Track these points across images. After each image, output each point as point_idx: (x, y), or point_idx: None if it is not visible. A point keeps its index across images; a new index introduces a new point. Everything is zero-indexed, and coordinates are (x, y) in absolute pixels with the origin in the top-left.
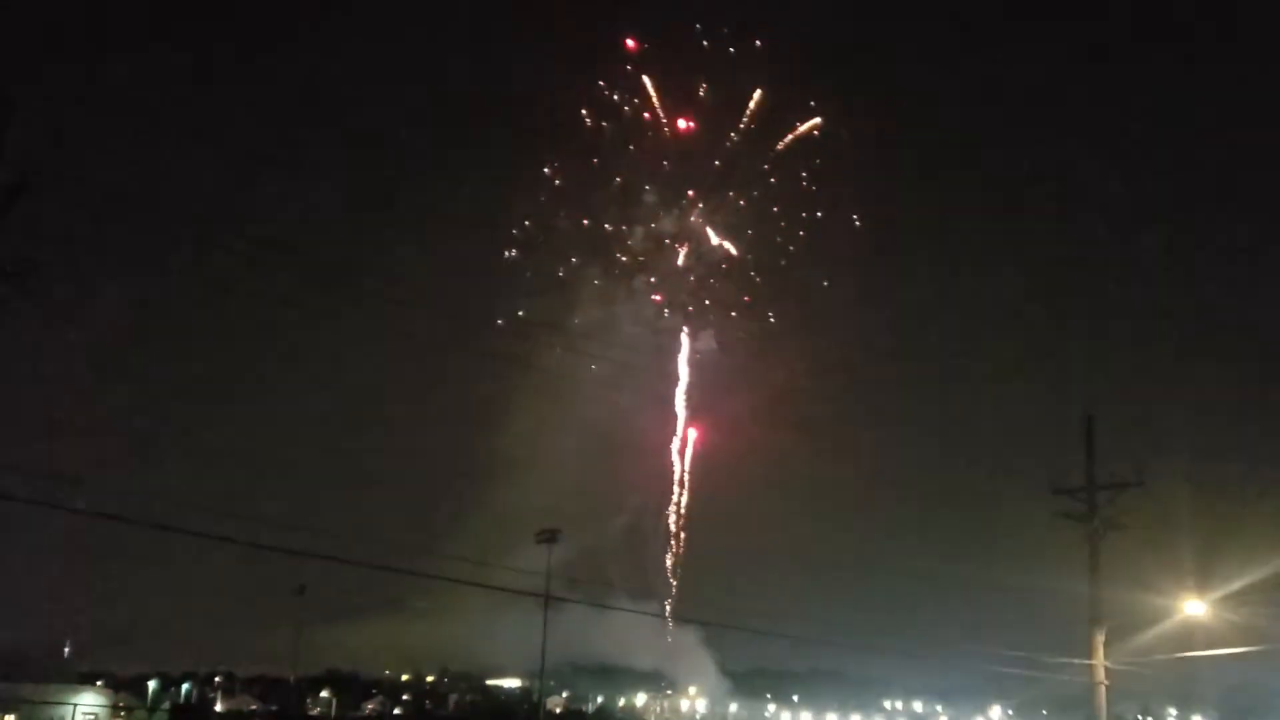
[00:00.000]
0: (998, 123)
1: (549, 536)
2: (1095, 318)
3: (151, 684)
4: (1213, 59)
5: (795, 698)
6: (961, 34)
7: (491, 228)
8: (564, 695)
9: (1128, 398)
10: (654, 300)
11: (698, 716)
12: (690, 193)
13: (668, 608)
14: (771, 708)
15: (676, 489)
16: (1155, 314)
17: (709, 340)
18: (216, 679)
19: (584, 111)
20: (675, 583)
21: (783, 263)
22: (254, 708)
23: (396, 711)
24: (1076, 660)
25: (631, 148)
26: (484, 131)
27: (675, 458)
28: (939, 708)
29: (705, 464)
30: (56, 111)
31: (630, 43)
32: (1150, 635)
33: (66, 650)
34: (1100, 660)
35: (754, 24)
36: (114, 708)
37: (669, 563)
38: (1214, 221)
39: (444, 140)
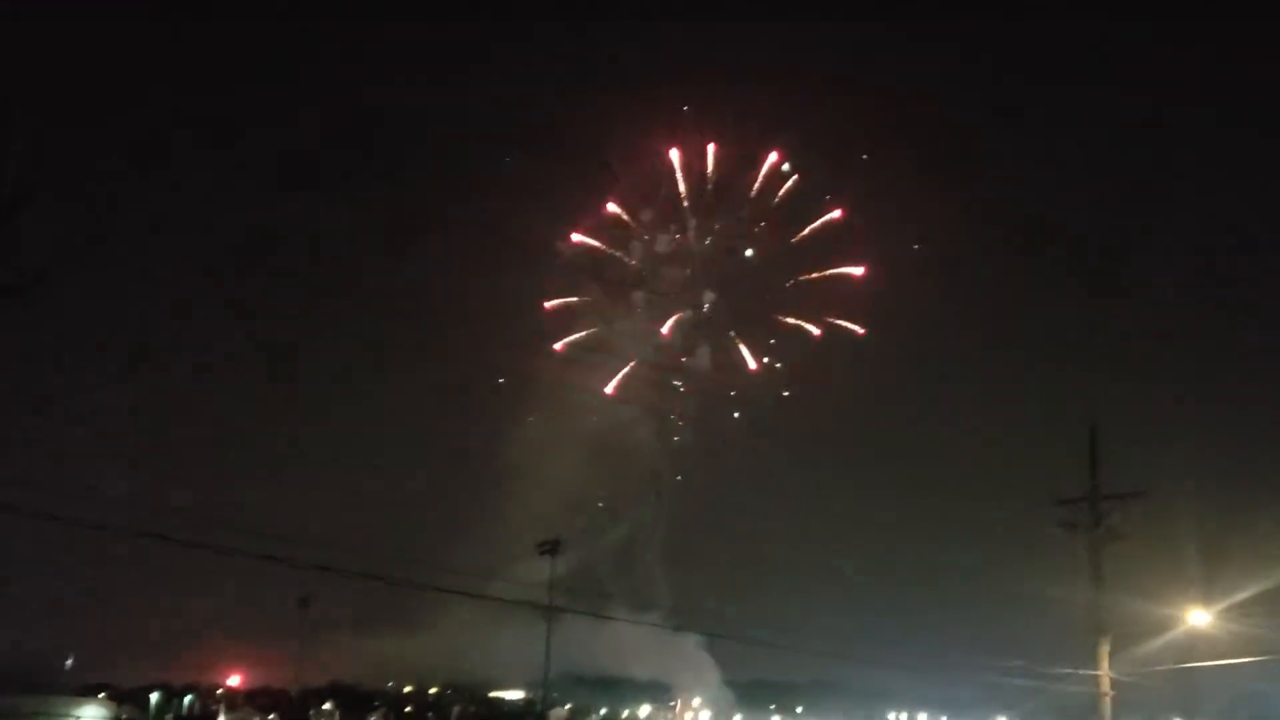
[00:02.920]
0: (999, 126)
1: (551, 548)
2: (1098, 325)
3: (154, 696)
4: (1211, 70)
5: (799, 709)
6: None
7: (492, 241)
8: (567, 707)
9: (1131, 407)
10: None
11: None
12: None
13: (668, 618)
14: (775, 719)
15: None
16: (1159, 322)
17: (705, 357)
18: (219, 691)
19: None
20: (670, 593)
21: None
22: None
23: None
24: (1081, 671)
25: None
26: (498, 146)
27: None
28: (944, 718)
29: (704, 472)
30: (59, 123)
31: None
32: (1155, 645)
33: (68, 662)
34: (1105, 671)
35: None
36: None
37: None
38: (1215, 222)
39: (451, 150)
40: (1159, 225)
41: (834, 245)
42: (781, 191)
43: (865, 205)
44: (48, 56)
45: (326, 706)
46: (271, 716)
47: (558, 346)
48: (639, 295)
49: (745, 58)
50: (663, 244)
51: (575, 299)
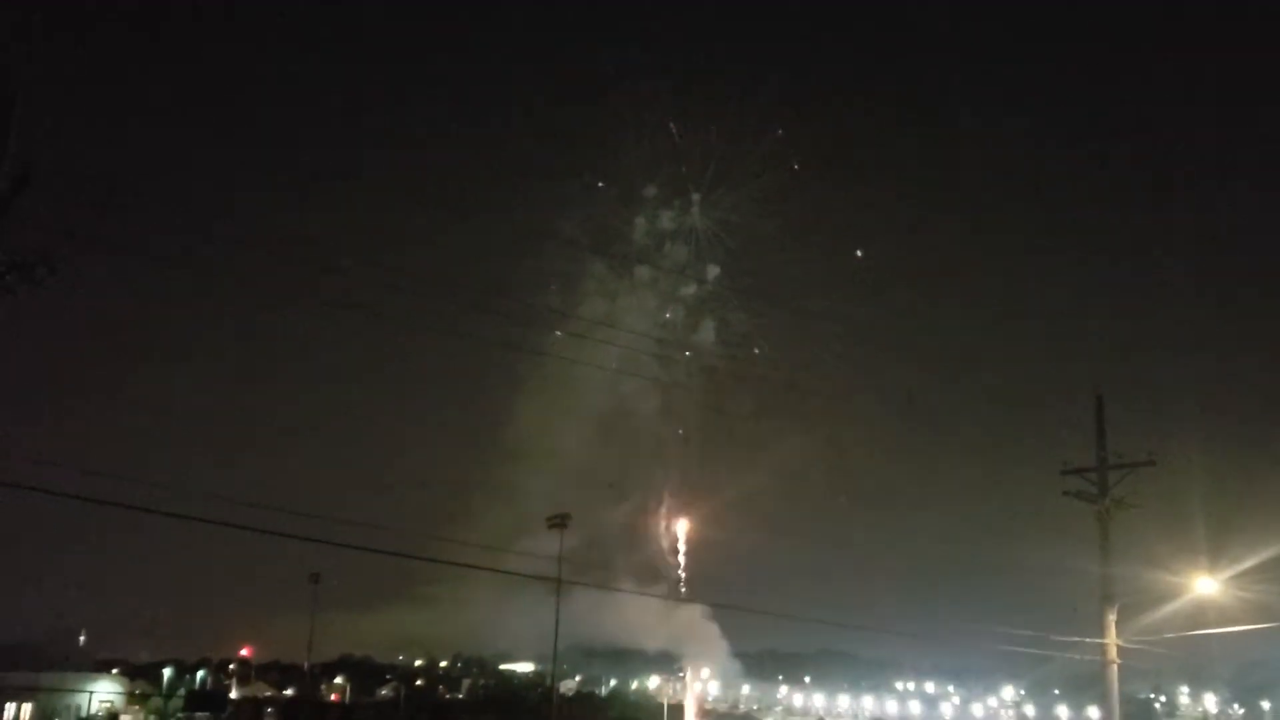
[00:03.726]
0: (1003, 99)
1: (560, 521)
2: (1105, 294)
3: (166, 671)
4: (1214, 39)
5: (807, 679)
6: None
7: (502, 220)
8: (577, 679)
9: (1138, 375)
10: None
11: (710, 698)
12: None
13: (679, 590)
14: (784, 689)
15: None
16: (1165, 290)
17: (709, 332)
18: (231, 666)
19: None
20: (681, 565)
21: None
22: (269, 694)
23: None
24: (1088, 639)
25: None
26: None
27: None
28: (951, 688)
29: (711, 447)
30: (61, 102)
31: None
32: (1162, 613)
33: (82, 638)
34: (1112, 639)
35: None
36: (129, 695)
37: (675, 546)
38: (1224, 193)
39: (453, 132)
40: (1163, 204)
41: (837, 221)
42: (784, 169)
43: (867, 181)
44: (52, 38)
45: (338, 680)
46: (284, 691)
47: (563, 326)
48: (642, 270)
49: (746, 40)
50: (666, 220)
51: (580, 275)
